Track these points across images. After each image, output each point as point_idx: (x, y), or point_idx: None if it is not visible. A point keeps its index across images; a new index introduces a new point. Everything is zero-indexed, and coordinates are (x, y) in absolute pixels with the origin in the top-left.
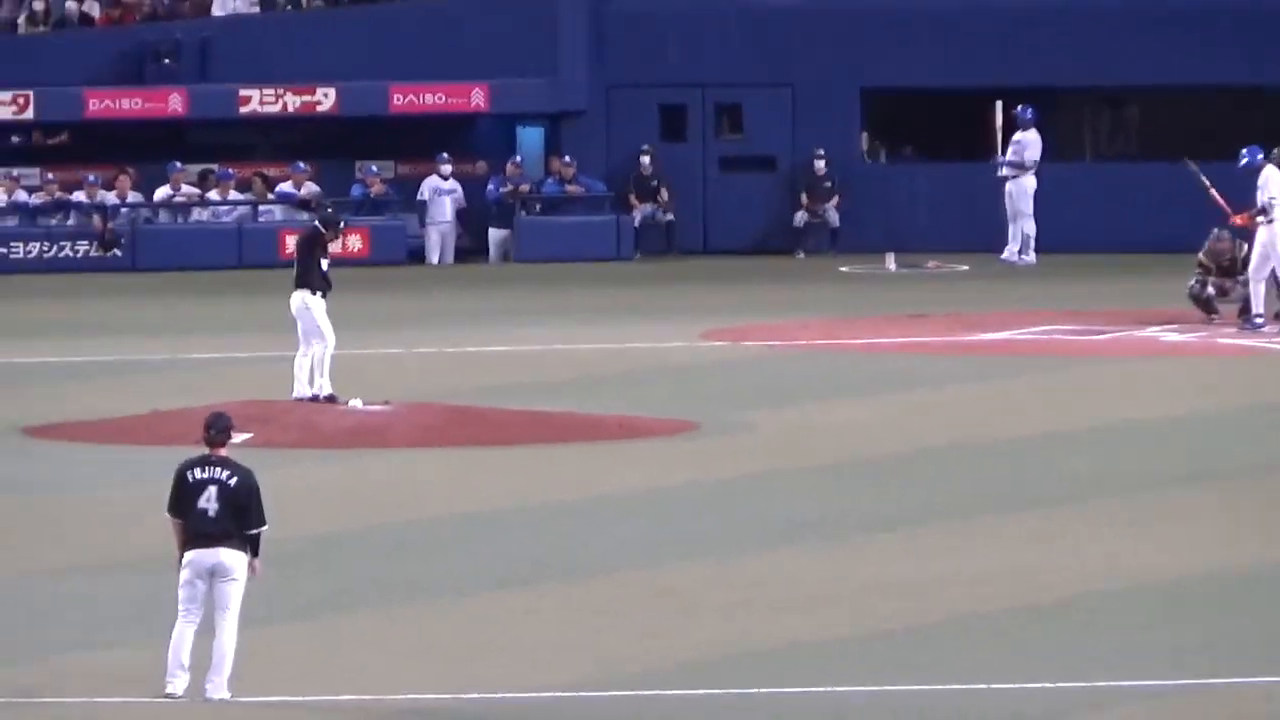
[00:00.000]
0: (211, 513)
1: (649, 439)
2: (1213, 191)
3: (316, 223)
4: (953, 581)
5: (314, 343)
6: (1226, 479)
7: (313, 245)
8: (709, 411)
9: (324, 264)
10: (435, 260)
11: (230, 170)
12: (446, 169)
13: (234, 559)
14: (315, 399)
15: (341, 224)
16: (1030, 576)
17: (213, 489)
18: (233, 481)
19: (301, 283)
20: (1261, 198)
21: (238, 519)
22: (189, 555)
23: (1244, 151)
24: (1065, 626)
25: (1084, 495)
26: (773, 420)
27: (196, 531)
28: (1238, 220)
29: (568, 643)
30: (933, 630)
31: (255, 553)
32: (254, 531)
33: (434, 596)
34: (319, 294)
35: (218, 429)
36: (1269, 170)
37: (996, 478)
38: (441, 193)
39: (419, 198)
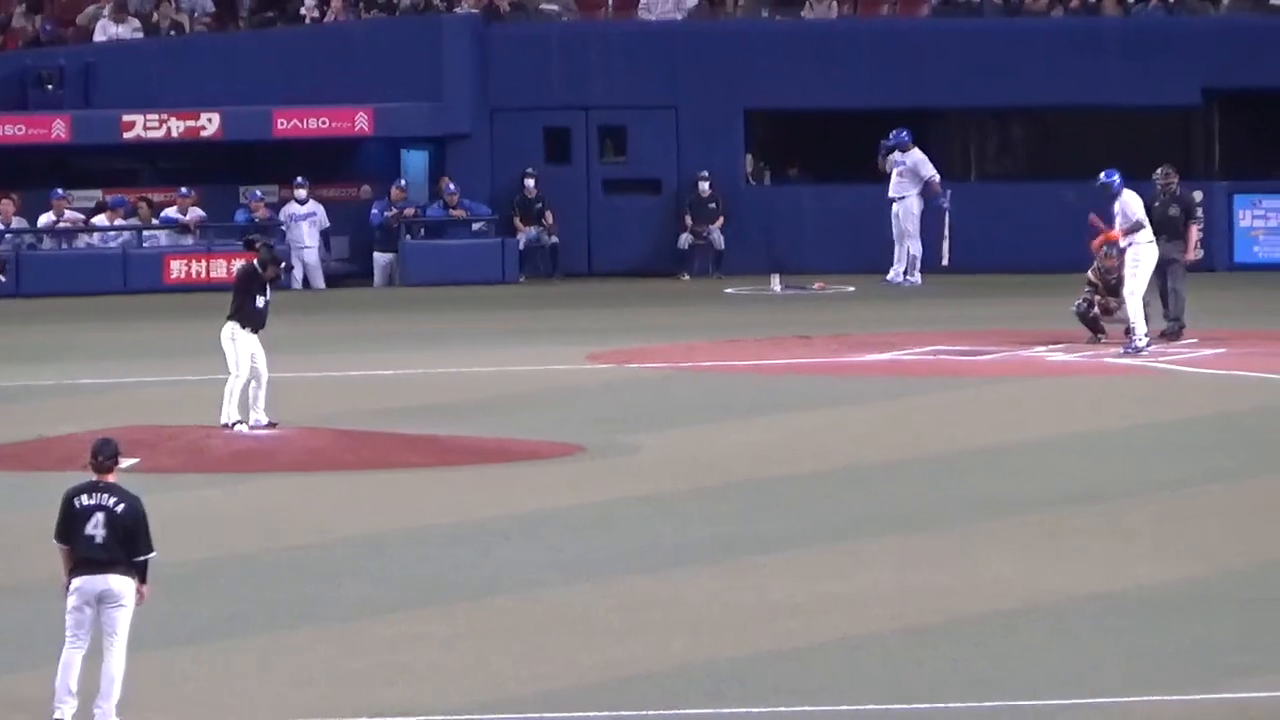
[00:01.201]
0: (99, 539)
1: (535, 462)
2: (1092, 216)
3: (255, 261)
4: (841, 603)
5: (244, 371)
6: (1114, 499)
7: (249, 282)
8: (595, 434)
9: (260, 300)
10: (298, 286)
11: (125, 198)
12: (302, 192)
13: (122, 585)
14: (260, 425)
15: (281, 262)
16: (918, 598)
17: (100, 515)
18: (120, 508)
19: (233, 316)
20: (1120, 222)
21: (125, 545)
22: (76, 581)
23: (1104, 173)
24: (953, 648)
25: (972, 516)
26: (659, 443)
27: (84, 558)
28: (1109, 239)
29: (457, 666)
30: (820, 652)
31: (143, 579)
32: (141, 558)
33: (323, 621)
34: (247, 329)
35: (105, 455)
36: (1127, 194)
37: (884, 499)
38: (298, 217)
39: (278, 224)
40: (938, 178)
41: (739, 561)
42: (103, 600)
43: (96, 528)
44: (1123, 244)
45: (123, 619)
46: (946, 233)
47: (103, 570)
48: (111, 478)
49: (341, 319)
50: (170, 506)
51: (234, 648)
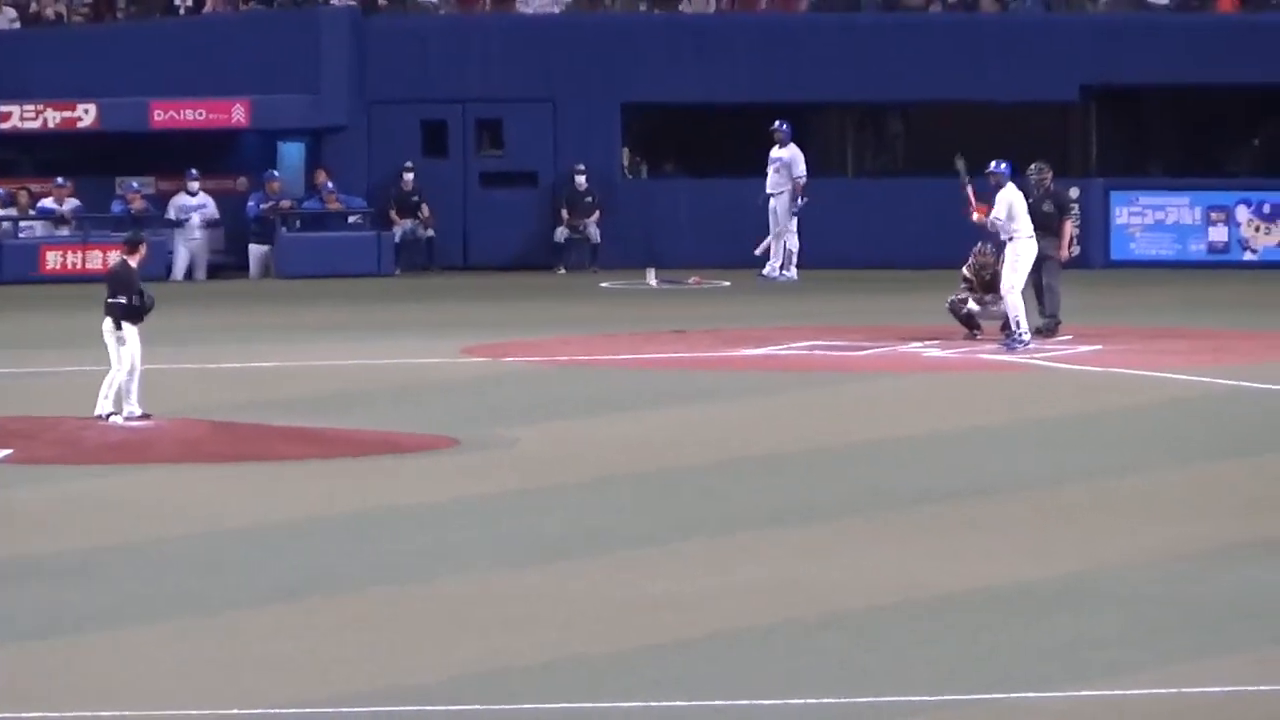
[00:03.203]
0: None
1: (412, 454)
2: (968, 188)
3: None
4: (719, 596)
5: (125, 365)
6: (992, 494)
7: (125, 276)
8: (470, 428)
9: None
10: (180, 276)
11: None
12: (194, 185)
13: None
14: (134, 416)
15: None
16: (797, 591)
17: None
18: None
19: (110, 310)
20: (999, 211)
21: None
22: None
23: (994, 163)
24: (832, 641)
25: (849, 511)
26: (534, 436)
27: None
28: (977, 213)
29: (334, 657)
30: (698, 644)
31: None
32: None
33: (199, 612)
34: (127, 322)
35: None
36: (1011, 189)
37: (761, 493)
38: (189, 209)
39: (166, 216)
40: (804, 179)
41: (616, 555)
42: None
43: None
44: (988, 226)
45: None
46: (771, 229)
47: None
48: None
49: (217, 311)
50: (47, 497)
51: (112, 639)
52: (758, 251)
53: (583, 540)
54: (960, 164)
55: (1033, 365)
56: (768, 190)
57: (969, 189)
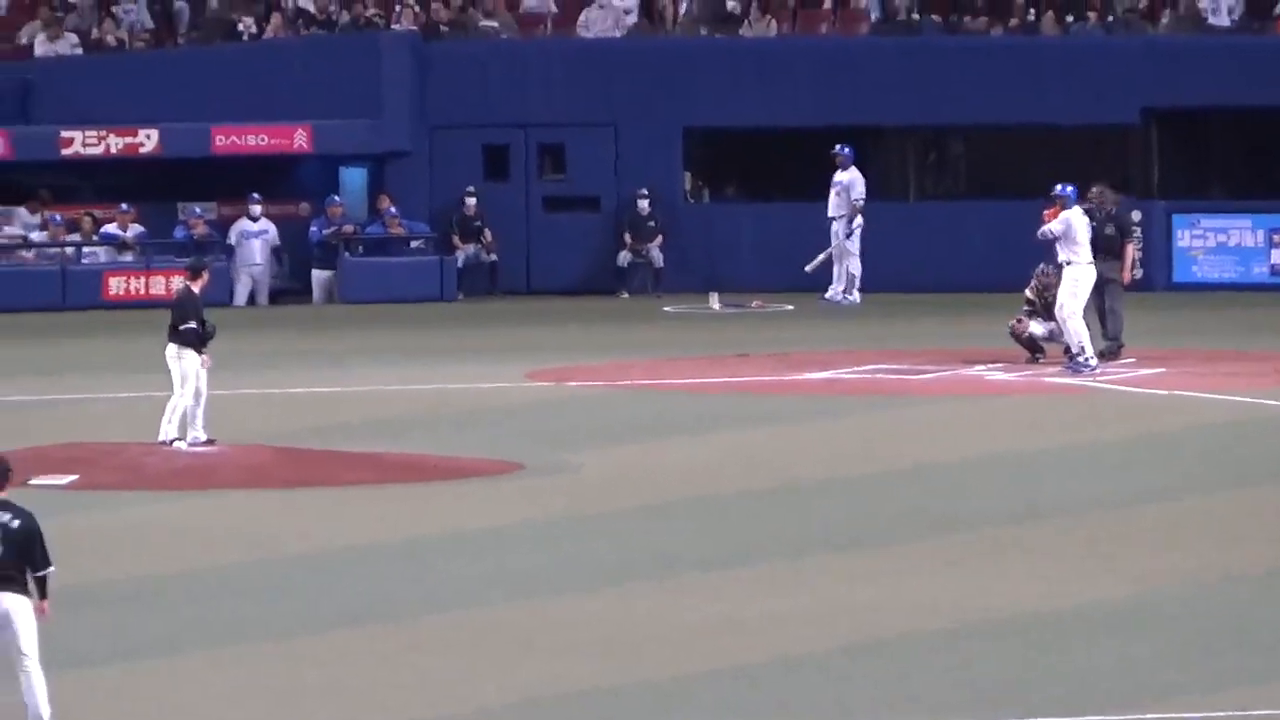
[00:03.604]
0: None
1: (475, 479)
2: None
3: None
4: (782, 620)
5: (189, 390)
6: (1050, 517)
7: (188, 302)
8: (534, 452)
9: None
10: (242, 302)
11: (59, 217)
12: (256, 209)
13: (16, 603)
14: (198, 442)
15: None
16: (857, 615)
17: None
18: (15, 524)
19: (175, 336)
20: (1056, 226)
21: (20, 561)
22: None
23: (1059, 186)
24: (891, 665)
25: (911, 534)
26: (598, 460)
27: None
28: (1047, 214)
29: (397, 683)
30: (760, 669)
31: (43, 594)
32: (41, 573)
33: (262, 638)
34: (190, 348)
35: None
36: (1075, 212)
37: (822, 517)
38: (250, 235)
39: (228, 241)
40: (861, 202)
41: (679, 579)
42: (1, 621)
43: None
44: (1041, 234)
45: (26, 638)
46: (833, 252)
47: None
48: (4, 494)
49: (281, 336)
50: (109, 523)
51: (172, 665)
52: (808, 269)
53: (645, 565)
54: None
55: (1095, 388)
56: (829, 214)
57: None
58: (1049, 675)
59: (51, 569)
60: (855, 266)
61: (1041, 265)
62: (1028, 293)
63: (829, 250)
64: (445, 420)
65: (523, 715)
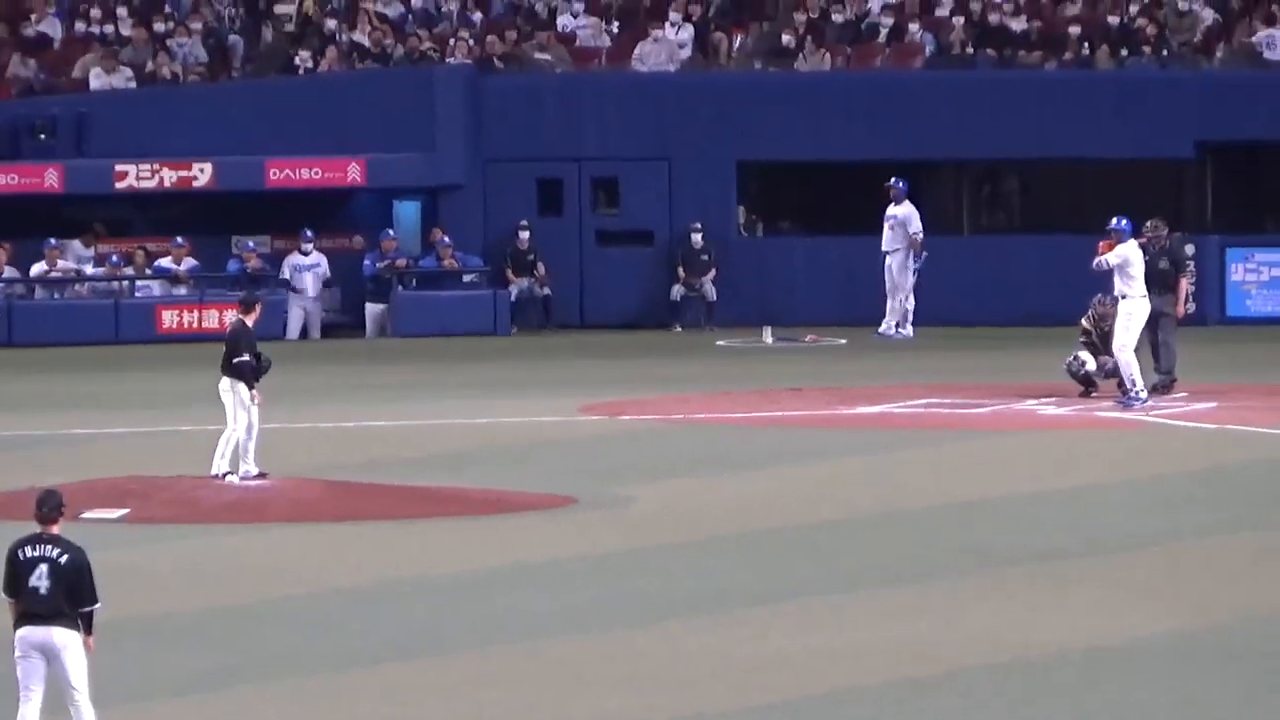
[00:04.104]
0: (43, 590)
1: (528, 513)
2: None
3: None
4: (834, 655)
5: (241, 424)
6: (1105, 552)
7: (242, 336)
8: (587, 486)
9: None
10: (295, 336)
11: (114, 255)
12: (308, 245)
13: (66, 638)
14: (250, 475)
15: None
16: (911, 650)
17: (44, 566)
18: (64, 559)
19: (228, 369)
20: (1113, 257)
21: (69, 597)
22: (19, 633)
23: (1115, 219)
24: (944, 701)
25: (964, 568)
26: (651, 494)
27: (27, 610)
28: (1103, 246)
29: (449, 717)
30: (814, 704)
31: (89, 630)
32: (86, 609)
33: (313, 672)
34: (244, 382)
35: (49, 507)
36: (1131, 245)
37: (876, 551)
38: (302, 268)
39: (281, 275)
40: (921, 235)
41: (732, 614)
42: (48, 654)
43: (40, 579)
44: (1096, 264)
45: (76, 672)
46: (887, 286)
47: (45, 623)
48: (56, 529)
49: (334, 370)
50: (162, 557)
51: (227, 699)
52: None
53: (696, 599)
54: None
55: (1148, 422)
56: (884, 248)
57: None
58: (1105, 710)
59: (98, 605)
60: (909, 301)
61: (1099, 295)
62: (1084, 322)
63: (890, 288)
64: (499, 454)
65: None
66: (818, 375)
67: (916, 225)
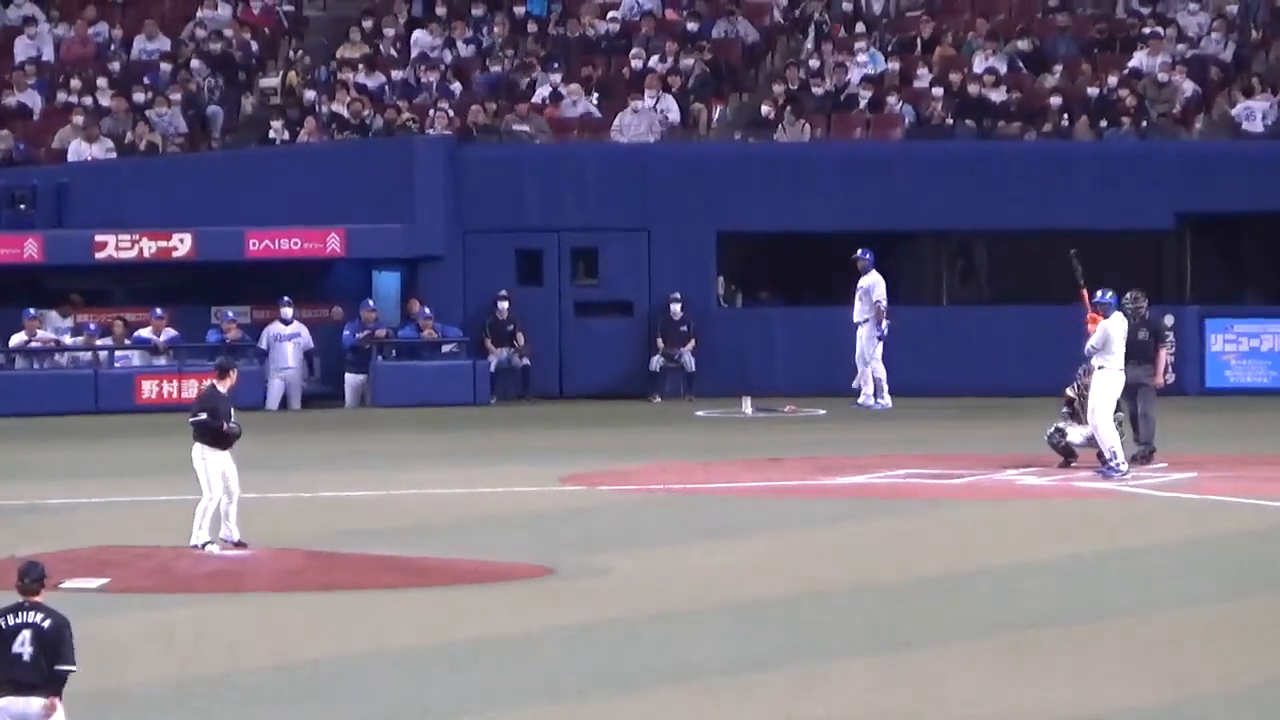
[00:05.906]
0: (26, 657)
1: (506, 583)
2: (1084, 291)
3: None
4: None
5: (216, 492)
6: (1084, 622)
7: (214, 402)
8: (566, 556)
9: (227, 421)
10: (275, 407)
11: (93, 324)
12: (288, 312)
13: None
14: (229, 541)
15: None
16: None
17: (27, 633)
18: (46, 624)
19: (200, 437)
20: (1095, 339)
21: (51, 661)
22: (1, 702)
23: (1100, 292)
24: None
25: (942, 638)
26: (629, 565)
27: (8, 678)
28: (1090, 323)
29: None
30: None
31: (58, 692)
32: (63, 668)
33: None
34: (216, 448)
35: (31, 578)
36: (1115, 320)
37: (853, 621)
38: (282, 338)
39: (260, 345)
40: (884, 304)
41: (709, 684)
42: None
43: (23, 645)
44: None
45: None
46: (856, 360)
47: (27, 692)
48: (39, 599)
49: (313, 439)
50: (140, 626)
51: None
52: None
53: (676, 670)
54: (1076, 262)
55: (1127, 493)
56: (854, 319)
57: (1084, 290)
58: None
59: (74, 668)
60: (879, 370)
61: (1084, 365)
62: (1069, 391)
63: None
64: (477, 524)
65: None
66: (797, 445)
67: (880, 294)
